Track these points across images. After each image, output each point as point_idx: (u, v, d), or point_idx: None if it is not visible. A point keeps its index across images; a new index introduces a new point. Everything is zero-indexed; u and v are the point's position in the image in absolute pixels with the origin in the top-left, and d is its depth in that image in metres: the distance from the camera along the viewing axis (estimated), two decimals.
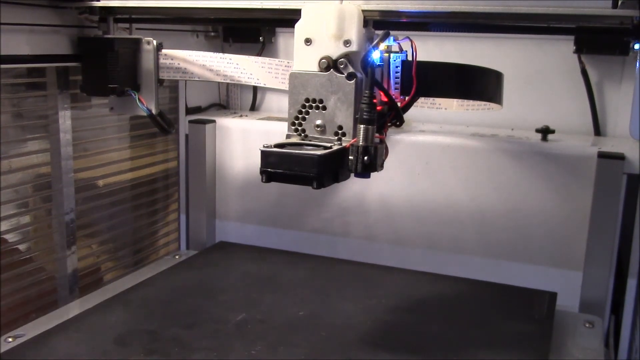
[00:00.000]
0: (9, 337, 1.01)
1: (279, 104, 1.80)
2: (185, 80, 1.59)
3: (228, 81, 1.14)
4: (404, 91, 0.97)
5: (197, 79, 1.16)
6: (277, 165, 0.88)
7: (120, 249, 1.55)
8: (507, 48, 1.53)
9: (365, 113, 0.87)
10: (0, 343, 0.98)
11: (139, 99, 1.19)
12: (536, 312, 1.14)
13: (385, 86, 0.95)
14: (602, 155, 1.28)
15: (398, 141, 1.42)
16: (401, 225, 1.46)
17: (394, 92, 0.97)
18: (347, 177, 0.92)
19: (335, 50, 0.92)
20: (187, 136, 1.61)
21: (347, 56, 0.91)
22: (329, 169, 0.88)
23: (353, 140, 0.90)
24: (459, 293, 1.24)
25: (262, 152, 0.88)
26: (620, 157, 1.27)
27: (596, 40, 1.42)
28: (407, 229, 1.45)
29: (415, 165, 1.43)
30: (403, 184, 1.44)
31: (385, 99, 0.94)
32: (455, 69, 1.03)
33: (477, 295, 1.24)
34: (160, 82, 1.21)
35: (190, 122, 1.60)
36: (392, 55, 0.96)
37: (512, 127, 1.54)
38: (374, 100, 0.88)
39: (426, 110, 1.14)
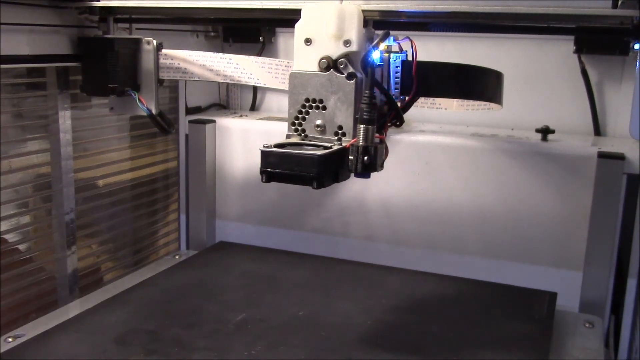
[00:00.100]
0: (9, 337, 1.01)
1: (279, 104, 1.80)
2: (185, 80, 1.59)
3: (228, 81, 1.14)
4: (404, 91, 0.97)
5: (197, 79, 1.16)
6: (277, 165, 0.88)
7: (120, 249, 1.55)
8: (507, 48, 1.53)
9: (365, 113, 0.87)
10: (0, 343, 0.98)
11: (139, 99, 1.19)
12: (536, 312, 1.14)
13: (385, 86, 0.95)
14: (602, 155, 1.28)
15: (398, 141, 1.42)
16: (401, 225, 1.46)
17: (394, 92, 0.97)
18: (347, 177, 0.92)
19: (335, 50, 0.92)
20: (187, 136, 1.61)
21: (347, 56, 0.91)
22: (329, 169, 0.88)
23: (353, 140, 0.90)
24: (459, 293, 1.24)
25: (262, 152, 0.88)
26: (620, 157, 1.27)
27: (596, 40, 1.42)
28: (407, 229, 1.46)
29: (415, 165, 1.43)
30: (403, 184, 1.44)
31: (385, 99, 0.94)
32: (455, 69, 1.04)
33: (477, 295, 1.24)
34: (160, 82, 1.21)
35: (190, 122, 1.60)
36: (392, 55, 0.96)
37: (512, 127, 1.54)
38: (374, 101, 0.88)
39: (426, 110, 1.14)
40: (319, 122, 0.93)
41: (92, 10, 1.19)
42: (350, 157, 0.89)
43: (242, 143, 1.58)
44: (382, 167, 0.92)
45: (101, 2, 1.17)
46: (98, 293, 1.22)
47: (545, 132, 1.38)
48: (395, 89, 0.97)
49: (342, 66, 0.91)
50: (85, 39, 1.22)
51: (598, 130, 1.49)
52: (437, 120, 1.59)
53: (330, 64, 0.91)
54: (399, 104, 0.97)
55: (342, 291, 1.22)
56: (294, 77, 0.94)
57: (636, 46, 1.36)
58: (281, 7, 1.03)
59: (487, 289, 1.26)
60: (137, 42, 1.19)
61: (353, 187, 1.48)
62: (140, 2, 1.17)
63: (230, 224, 1.64)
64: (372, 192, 1.47)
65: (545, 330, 1.07)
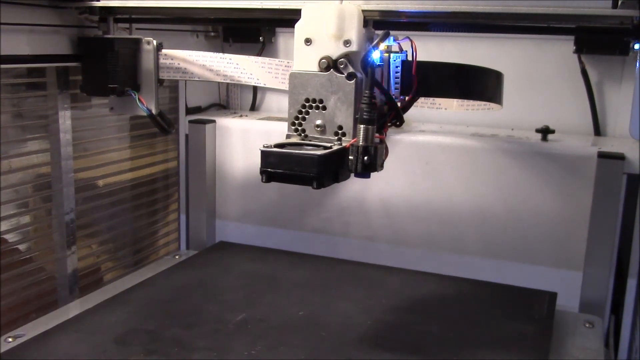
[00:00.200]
0: (9, 337, 1.01)
1: (279, 104, 1.80)
2: (185, 80, 1.59)
3: (228, 81, 1.14)
4: (404, 91, 0.97)
5: (197, 79, 1.16)
6: (277, 165, 0.88)
7: (120, 249, 1.55)
8: (507, 48, 1.53)
9: (365, 113, 0.87)
10: (0, 343, 0.98)
11: (139, 99, 1.19)
12: (536, 312, 1.14)
13: (385, 86, 0.95)
14: (602, 155, 1.28)
15: (398, 141, 1.42)
16: (401, 225, 1.46)
17: (394, 92, 0.97)
18: (347, 177, 0.92)
19: (335, 50, 0.92)
20: (187, 136, 1.61)
21: (347, 56, 0.91)
22: (329, 169, 0.88)
23: (353, 140, 0.90)
24: (459, 293, 1.24)
25: (262, 152, 0.88)
26: (620, 157, 1.27)
27: (596, 40, 1.42)
28: (407, 229, 1.45)
29: (415, 165, 1.43)
30: (403, 184, 1.44)
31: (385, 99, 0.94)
32: (455, 69, 1.03)
33: (477, 295, 1.24)
34: (160, 82, 1.21)
35: (190, 122, 1.60)
36: (392, 55, 0.96)
37: (512, 127, 1.54)
38: (374, 100, 0.88)
39: (426, 110, 1.14)
40: (319, 122, 0.93)
41: (92, 10, 1.19)
42: (350, 157, 0.89)
43: (242, 143, 1.59)
44: (382, 167, 0.92)
45: (101, 2, 1.17)
46: (98, 293, 1.22)
47: (545, 132, 1.38)
48: (395, 89, 0.97)
49: (342, 66, 0.91)
50: (85, 39, 1.22)
51: (598, 130, 1.49)
52: (437, 120, 1.59)
53: (330, 64, 0.91)
54: (399, 104, 0.97)
55: (342, 291, 1.22)
56: (294, 77, 0.94)
57: (636, 46, 1.36)
58: (281, 7, 1.03)
59: (487, 289, 1.26)
60: (137, 42, 1.19)
61: (353, 187, 1.48)
62: (140, 2, 1.17)
63: (230, 224, 1.64)
64: (372, 192, 1.47)
65: (545, 330, 1.07)
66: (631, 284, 1.30)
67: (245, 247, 1.47)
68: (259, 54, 1.70)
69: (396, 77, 0.97)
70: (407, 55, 0.96)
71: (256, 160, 0.88)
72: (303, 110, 0.94)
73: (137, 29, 1.27)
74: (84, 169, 1.39)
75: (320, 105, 0.93)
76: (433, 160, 1.41)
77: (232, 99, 1.85)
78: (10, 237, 1.25)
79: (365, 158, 0.88)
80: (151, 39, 1.19)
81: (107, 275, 1.51)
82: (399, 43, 0.96)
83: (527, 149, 1.35)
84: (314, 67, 0.93)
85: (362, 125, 0.88)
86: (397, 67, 0.96)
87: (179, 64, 1.17)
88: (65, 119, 1.30)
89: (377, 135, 0.89)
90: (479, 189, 1.38)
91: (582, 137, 1.46)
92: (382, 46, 0.93)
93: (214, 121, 1.60)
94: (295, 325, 1.06)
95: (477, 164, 1.38)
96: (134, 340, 0.99)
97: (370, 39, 0.93)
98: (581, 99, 1.49)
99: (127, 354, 0.95)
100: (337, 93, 0.91)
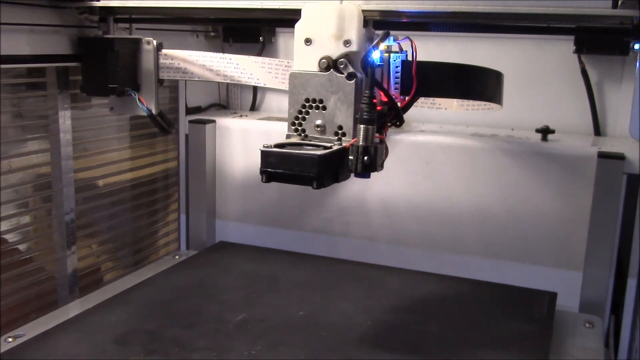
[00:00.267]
0: (9, 337, 1.01)
1: (279, 104, 1.80)
2: (185, 80, 1.59)
3: (228, 81, 1.14)
4: (404, 91, 0.97)
5: (197, 79, 1.16)
6: (277, 165, 0.88)
7: (120, 249, 1.55)
8: (507, 48, 1.53)
9: (365, 113, 0.87)
10: (0, 343, 0.98)
11: (139, 99, 1.19)
12: (536, 312, 1.14)
13: (385, 86, 0.95)
14: (602, 155, 1.28)
15: (398, 141, 1.42)
16: (401, 225, 1.46)
17: (394, 92, 0.97)
18: (347, 177, 0.92)
19: (335, 50, 0.92)
20: (187, 136, 1.61)
21: (347, 56, 0.91)
22: (329, 169, 0.88)
23: (353, 140, 0.90)
24: (459, 293, 1.24)
25: (262, 152, 0.88)
26: (620, 157, 1.27)
27: (596, 40, 1.42)
28: (407, 229, 1.45)
29: (415, 165, 1.43)
30: (403, 184, 1.44)
31: (385, 99, 0.94)
32: (455, 69, 1.03)
33: (477, 295, 1.24)
34: (160, 82, 1.21)
35: (190, 122, 1.60)
36: (392, 55, 0.96)
37: (512, 127, 1.54)
38: (374, 100, 0.88)
39: (426, 110, 1.14)
40: (319, 122, 0.93)
41: (92, 10, 1.19)
42: (350, 157, 0.89)
43: (242, 143, 1.58)
44: (382, 167, 0.92)
45: (101, 2, 1.17)
46: (98, 293, 1.22)
47: (545, 132, 1.38)
48: (395, 89, 0.97)
49: (342, 66, 0.91)
50: (85, 39, 1.22)
51: (598, 130, 1.49)
52: (437, 120, 1.59)
53: (330, 64, 0.91)
54: (399, 104, 0.97)
55: (342, 291, 1.22)
56: (294, 77, 0.94)
57: (636, 46, 1.36)
58: (281, 7, 1.03)
59: (487, 289, 1.26)
60: (137, 42, 1.19)
61: (353, 187, 1.48)
62: (140, 2, 1.17)
63: (230, 224, 1.64)
64: (372, 192, 1.47)
65: (545, 330, 1.07)
66: (631, 284, 1.30)
67: (245, 247, 1.47)
68: (259, 54, 1.70)
69: (396, 77, 0.97)
70: (407, 55, 0.96)
71: (256, 160, 0.88)
72: (303, 110, 0.94)
73: (137, 29, 1.27)
74: (84, 169, 1.39)
75: (320, 105, 0.93)
76: (433, 160, 1.41)
77: (232, 99, 1.85)
78: (10, 237, 1.25)
79: (365, 158, 0.88)
80: (151, 39, 1.19)
81: (107, 275, 1.51)
82: (399, 43, 0.96)
83: (527, 149, 1.35)
84: (314, 67, 0.93)
85: (362, 125, 0.88)
86: (397, 67, 0.96)
87: (179, 64, 1.17)
88: (65, 119, 1.30)
89: (377, 135, 0.89)
90: (479, 189, 1.38)
91: (582, 137, 1.46)
92: (382, 46, 0.93)
93: (214, 121, 1.60)
94: (295, 325, 1.06)
95: (477, 164, 1.38)
96: (134, 340, 0.99)
97: (370, 39, 0.93)
98: (581, 99, 1.49)
99: (127, 354, 0.95)
100: (337, 93, 0.91)
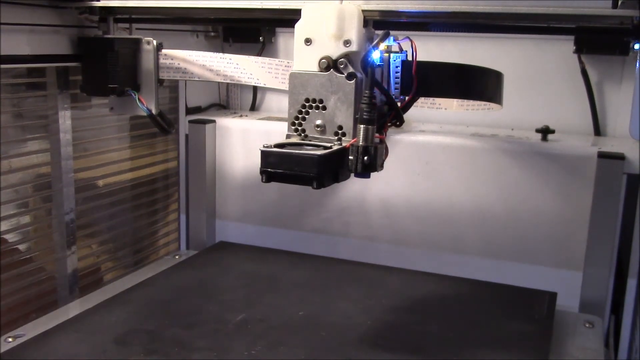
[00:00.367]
0: (9, 337, 1.01)
1: (279, 104, 1.80)
2: (185, 80, 1.59)
3: (228, 81, 1.14)
4: (404, 91, 0.97)
5: (197, 79, 1.16)
6: (277, 165, 0.88)
7: (120, 249, 1.55)
8: (507, 48, 1.53)
9: (365, 113, 0.87)
10: (0, 343, 0.98)
11: (139, 99, 1.19)
12: (536, 312, 1.14)
13: (385, 86, 0.95)
14: (602, 155, 1.28)
15: (398, 141, 1.42)
16: (401, 225, 1.46)
17: (394, 92, 0.97)
18: (347, 177, 0.92)
19: (335, 50, 0.92)
20: (187, 136, 1.61)
21: (347, 56, 0.91)
22: (329, 169, 0.88)
23: (353, 140, 0.90)
24: (459, 293, 1.24)
25: (262, 152, 0.88)
26: (620, 157, 1.27)
27: (596, 40, 1.42)
28: (407, 229, 1.45)
29: (415, 165, 1.43)
30: (403, 184, 1.44)
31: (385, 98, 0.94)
32: (455, 69, 1.03)
33: (477, 295, 1.24)
34: (160, 82, 1.21)
35: (190, 122, 1.60)
36: (392, 55, 0.96)
37: (512, 127, 1.54)
38: (374, 100, 0.88)
39: (426, 110, 1.14)
40: (319, 122, 0.93)
41: (92, 10, 1.19)
42: (350, 157, 0.89)
43: (242, 143, 1.59)
44: (382, 167, 0.92)
45: (101, 2, 1.17)
46: (98, 293, 1.22)
47: (545, 132, 1.38)
48: (395, 89, 0.97)
49: (342, 66, 0.91)
50: (85, 39, 1.22)
51: (598, 130, 1.49)
52: (437, 120, 1.59)
53: (330, 64, 0.91)
54: (399, 104, 0.97)
55: (342, 291, 1.22)
56: (294, 77, 0.94)
57: (636, 46, 1.36)
58: (281, 7, 1.03)
59: (487, 289, 1.26)
60: (137, 42, 1.19)
61: (353, 187, 1.48)
62: (140, 2, 1.17)
63: (230, 224, 1.64)
64: (372, 192, 1.47)
65: (545, 330, 1.07)
66: (631, 284, 1.30)
67: (245, 247, 1.47)
68: (259, 54, 1.70)
69: (396, 77, 0.97)
70: (407, 55, 0.96)
71: (256, 160, 0.88)
72: (303, 110, 0.94)
73: (137, 29, 1.27)
74: (84, 169, 1.39)
75: (320, 105, 0.93)
76: (433, 160, 1.41)
77: (232, 99, 1.85)
78: (10, 237, 1.25)
79: (365, 158, 0.88)
80: (151, 39, 1.19)
81: (107, 275, 1.51)
82: (399, 43, 0.96)
83: (527, 149, 1.35)
84: (314, 67, 0.93)
85: (362, 125, 0.88)
86: (397, 67, 0.96)
87: (179, 64, 1.17)
88: (65, 119, 1.30)
89: (377, 135, 0.89)
90: (479, 189, 1.38)
91: (582, 137, 1.46)
92: (382, 46, 0.93)
93: (214, 121, 1.60)
94: (295, 325, 1.06)
95: (477, 164, 1.38)
96: (134, 340, 0.99)
97: (370, 39, 0.93)
98: (581, 99, 1.49)
99: (127, 354, 0.95)
100: (337, 93, 0.91)
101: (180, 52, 1.17)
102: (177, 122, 1.62)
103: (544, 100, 1.52)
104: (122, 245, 1.55)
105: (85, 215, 1.42)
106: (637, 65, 1.42)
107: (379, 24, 0.96)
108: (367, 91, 0.88)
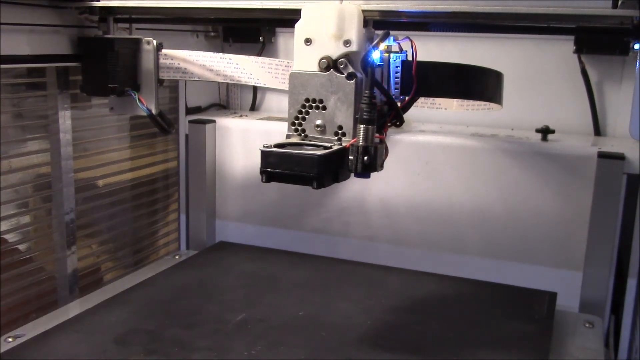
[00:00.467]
0: (9, 337, 1.01)
1: (279, 104, 1.80)
2: (185, 80, 1.59)
3: (228, 81, 1.14)
4: (404, 91, 0.97)
5: (197, 79, 1.16)
6: (277, 165, 0.88)
7: (120, 249, 1.55)
8: (507, 48, 1.53)
9: (365, 113, 0.87)
10: (0, 343, 0.98)
11: (139, 99, 1.19)
12: (536, 312, 1.14)
13: (385, 86, 0.95)
14: (602, 155, 1.28)
15: (398, 141, 1.42)
16: (401, 225, 1.46)
17: (394, 92, 0.97)
18: (347, 177, 0.92)
19: (335, 50, 0.92)
20: (187, 136, 1.61)
21: (347, 56, 0.91)
22: (329, 169, 0.88)
23: (353, 140, 0.90)
24: (459, 293, 1.24)
25: (262, 152, 0.88)
26: (620, 157, 1.27)
27: (596, 40, 1.42)
28: (407, 229, 1.45)
29: (415, 165, 1.43)
30: (403, 184, 1.44)
31: (385, 98, 0.94)
32: (455, 69, 1.03)
33: (477, 295, 1.24)
34: (160, 82, 1.21)
35: (190, 122, 1.60)
36: (392, 55, 0.96)
37: (512, 127, 1.54)
38: (374, 100, 0.88)
39: (426, 110, 1.14)
40: (319, 122, 0.93)
41: (92, 10, 1.19)
42: (350, 157, 0.89)
43: (242, 143, 1.59)
44: (382, 167, 0.92)
45: (101, 2, 1.17)
46: (98, 293, 1.22)
47: (545, 132, 1.38)
48: (395, 89, 0.97)
49: (342, 66, 0.91)
50: (85, 39, 1.22)
51: (598, 130, 1.49)
52: (437, 120, 1.59)
53: (330, 64, 0.91)
54: (399, 104, 0.97)
55: (342, 291, 1.22)
56: (294, 77, 0.94)
57: (636, 46, 1.36)
58: (281, 7, 1.03)
59: (487, 289, 1.26)
60: (137, 42, 1.19)
61: (353, 187, 1.48)
62: (140, 2, 1.17)
63: (230, 224, 1.64)
64: (372, 192, 1.47)
65: (545, 330, 1.07)
66: (631, 284, 1.30)
67: (245, 247, 1.47)
68: (259, 54, 1.70)
69: (396, 77, 0.97)
70: (407, 55, 0.96)
71: (256, 160, 0.88)
72: (303, 110, 0.94)
73: (137, 29, 1.27)
74: (84, 169, 1.39)
75: (320, 105, 0.93)
76: (433, 160, 1.41)
77: (232, 99, 1.85)
78: (10, 237, 1.25)
79: (365, 158, 0.88)
80: (151, 39, 1.19)
81: (107, 275, 1.51)
82: (399, 43, 0.96)
83: (527, 149, 1.35)
84: (314, 67, 0.93)
85: (362, 125, 0.88)
86: (397, 67, 0.96)
87: (179, 64, 1.17)
88: (65, 119, 1.30)
89: (377, 135, 0.89)
90: (479, 189, 1.38)
91: (582, 137, 1.46)
92: (382, 46, 0.93)
93: (214, 121, 1.60)
94: (295, 325, 1.06)
95: (477, 164, 1.38)
96: (134, 340, 0.99)
97: (370, 39, 0.93)
98: (581, 99, 1.49)
99: (127, 354, 0.95)
100: (337, 93, 0.91)
101: (180, 52, 1.17)
102: (177, 122, 1.62)
103: (544, 100, 1.52)
104: (122, 245, 1.55)
105: (85, 215, 1.42)
106: (637, 65, 1.42)
107: (379, 24, 0.96)
108: (367, 91, 0.88)
